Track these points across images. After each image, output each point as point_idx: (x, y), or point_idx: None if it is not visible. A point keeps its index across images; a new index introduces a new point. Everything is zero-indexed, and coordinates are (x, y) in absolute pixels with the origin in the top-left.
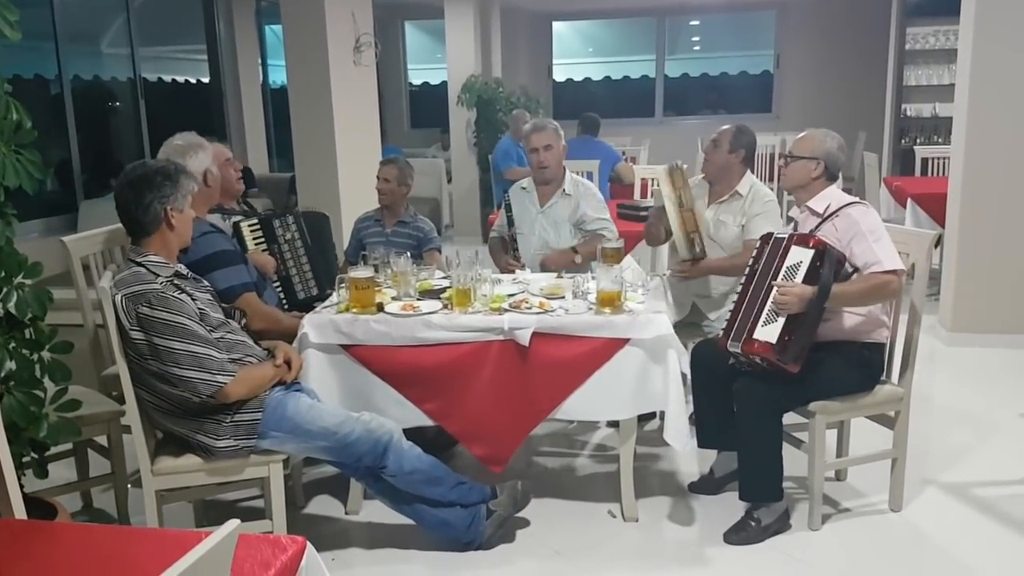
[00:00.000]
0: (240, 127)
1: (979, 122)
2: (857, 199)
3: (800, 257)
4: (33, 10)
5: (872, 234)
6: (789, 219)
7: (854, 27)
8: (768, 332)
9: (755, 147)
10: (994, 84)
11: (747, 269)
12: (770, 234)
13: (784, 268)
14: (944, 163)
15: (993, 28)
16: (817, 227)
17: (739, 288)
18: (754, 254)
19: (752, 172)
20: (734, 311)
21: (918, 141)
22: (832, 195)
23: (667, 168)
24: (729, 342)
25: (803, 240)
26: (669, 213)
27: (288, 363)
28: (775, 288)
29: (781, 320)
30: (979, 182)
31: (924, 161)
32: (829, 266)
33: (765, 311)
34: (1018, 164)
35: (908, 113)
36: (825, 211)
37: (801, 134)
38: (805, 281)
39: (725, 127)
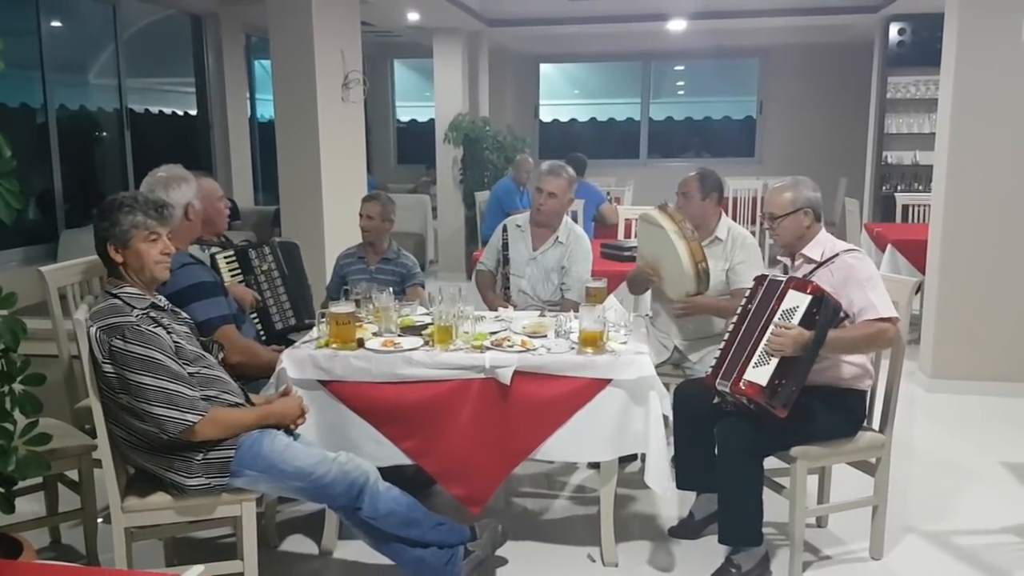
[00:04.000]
0: (226, 159)
1: (959, 170)
2: (852, 246)
3: (797, 302)
4: (21, 39)
5: (868, 281)
6: (780, 264)
7: (836, 75)
8: (759, 374)
9: (723, 186)
10: (973, 133)
11: (739, 308)
12: (764, 275)
13: (780, 311)
14: (924, 210)
15: (972, 79)
16: (812, 272)
17: (730, 327)
18: (747, 294)
19: (729, 213)
20: (724, 349)
21: (899, 188)
22: (825, 241)
23: (658, 207)
24: (718, 380)
25: (801, 285)
26: (677, 247)
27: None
28: (771, 328)
29: (773, 363)
30: (959, 229)
31: (905, 208)
32: (825, 314)
33: (757, 352)
34: (997, 212)
35: (889, 160)
36: (820, 257)
37: (774, 187)
38: (801, 326)
39: (689, 176)
